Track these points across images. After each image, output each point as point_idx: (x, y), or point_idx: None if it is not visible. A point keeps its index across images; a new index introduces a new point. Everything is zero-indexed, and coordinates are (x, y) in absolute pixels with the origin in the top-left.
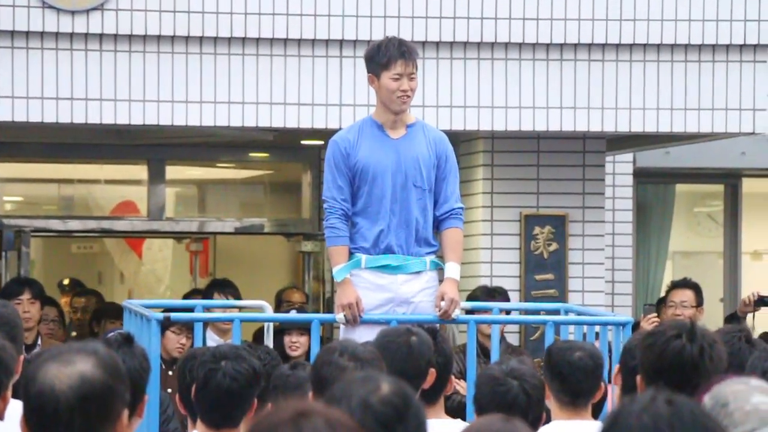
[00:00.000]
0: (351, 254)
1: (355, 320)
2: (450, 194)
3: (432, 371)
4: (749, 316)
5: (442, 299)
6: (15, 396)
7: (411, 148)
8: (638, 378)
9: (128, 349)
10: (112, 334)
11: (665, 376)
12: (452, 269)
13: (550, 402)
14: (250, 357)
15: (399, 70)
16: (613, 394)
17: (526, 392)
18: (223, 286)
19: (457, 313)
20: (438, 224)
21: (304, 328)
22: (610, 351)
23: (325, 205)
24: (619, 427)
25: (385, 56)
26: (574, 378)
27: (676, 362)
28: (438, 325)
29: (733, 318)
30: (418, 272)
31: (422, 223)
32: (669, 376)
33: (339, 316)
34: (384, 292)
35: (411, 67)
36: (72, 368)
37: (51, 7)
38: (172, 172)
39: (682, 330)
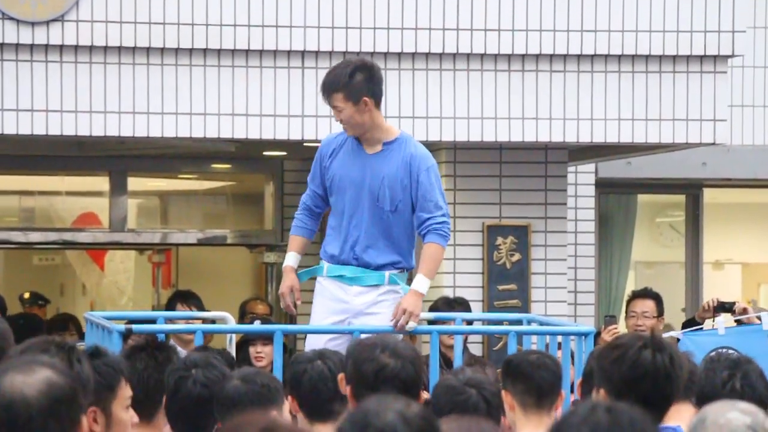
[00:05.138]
0: (320, 260)
1: (288, 308)
2: (421, 210)
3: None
4: (708, 321)
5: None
6: None
7: (381, 167)
8: (601, 392)
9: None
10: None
11: (637, 388)
12: (416, 281)
13: (515, 413)
14: (221, 365)
15: (328, 104)
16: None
17: (486, 400)
18: (187, 298)
19: (411, 325)
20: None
21: (269, 338)
22: (572, 361)
23: None
24: None
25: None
26: (537, 374)
27: (650, 372)
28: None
29: (692, 323)
30: (376, 285)
31: (384, 243)
32: (641, 388)
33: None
34: (340, 303)
35: (333, 100)
36: (37, 375)
37: (11, 18)
38: (134, 183)
39: (647, 340)
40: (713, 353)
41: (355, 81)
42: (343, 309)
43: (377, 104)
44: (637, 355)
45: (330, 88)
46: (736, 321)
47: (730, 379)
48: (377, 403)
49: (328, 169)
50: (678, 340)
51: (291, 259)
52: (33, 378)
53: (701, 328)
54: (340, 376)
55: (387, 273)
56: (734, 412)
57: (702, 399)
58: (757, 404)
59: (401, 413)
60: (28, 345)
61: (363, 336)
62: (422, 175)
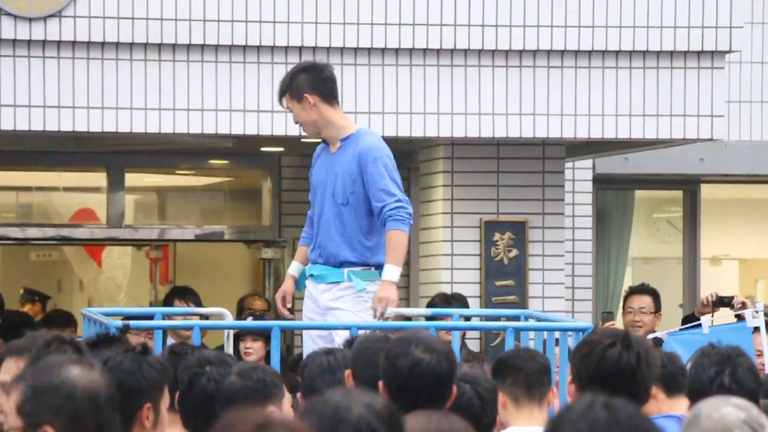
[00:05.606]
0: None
1: (282, 313)
2: (374, 200)
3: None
4: (707, 316)
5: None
6: None
7: (337, 164)
8: (573, 387)
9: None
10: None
11: (603, 385)
12: (385, 272)
13: (507, 410)
14: (235, 362)
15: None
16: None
17: (480, 396)
18: (184, 293)
19: (390, 311)
20: None
21: (258, 334)
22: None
23: None
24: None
25: None
26: (524, 365)
27: (614, 370)
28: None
29: (691, 319)
30: (337, 282)
31: (339, 238)
32: (607, 385)
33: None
34: (315, 302)
35: (285, 103)
36: (96, 370)
37: (8, 14)
38: (132, 179)
39: (617, 338)
40: (705, 347)
41: (296, 80)
42: (316, 307)
43: (327, 101)
44: (603, 353)
45: (279, 92)
46: (736, 316)
47: (717, 375)
48: (343, 396)
49: (311, 176)
50: (659, 340)
51: (292, 267)
52: (94, 373)
53: (699, 325)
54: (347, 372)
55: (345, 270)
56: (728, 407)
57: (692, 395)
58: (748, 399)
59: (369, 405)
60: (46, 340)
61: (361, 332)
62: (370, 166)
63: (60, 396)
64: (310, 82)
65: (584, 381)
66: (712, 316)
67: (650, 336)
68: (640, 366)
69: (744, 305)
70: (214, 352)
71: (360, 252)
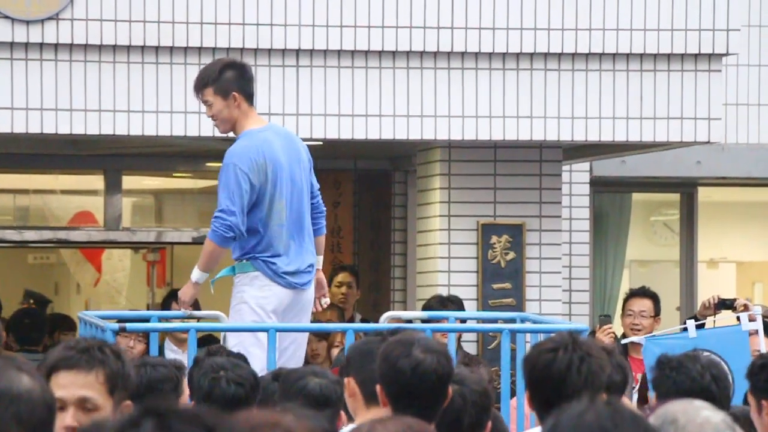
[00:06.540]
0: None
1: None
2: None
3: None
4: (709, 319)
5: None
6: None
7: None
8: (526, 393)
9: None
10: None
11: (539, 389)
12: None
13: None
14: (247, 365)
15: (199, 100)
16: None
17: (463, 396)
18: None
19: (182, 311)
20: None
21: None
22: None
23: None
24: (561, 429)
25: None
26: None
27: (546, 375)
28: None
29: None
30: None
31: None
32: (541, 389)
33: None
34: None
35: (203, 95)
36: (38, 377)
37: (5, 16)
38: (129, 182)
39: (560, 343)
40: (660, 356)
41: (224, 76)
42: None
43: (248, 102)
44: (538, 357)
45: (200, 83)
46: (738, 318)
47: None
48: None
49: None
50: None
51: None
52: (43, 382)
53: (701, 326)
54: (347, 380)
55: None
56: (705, 411)
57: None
58: (703, 398)
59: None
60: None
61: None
62: (220, 173)
63: (24, 404)
64: (239, 80)
65: (528, 384)
66: (714, 318)
67: (626, 341)
68: (570, 372)
69: (746, 307)
70: (225, 358)
71: (240, 246)
